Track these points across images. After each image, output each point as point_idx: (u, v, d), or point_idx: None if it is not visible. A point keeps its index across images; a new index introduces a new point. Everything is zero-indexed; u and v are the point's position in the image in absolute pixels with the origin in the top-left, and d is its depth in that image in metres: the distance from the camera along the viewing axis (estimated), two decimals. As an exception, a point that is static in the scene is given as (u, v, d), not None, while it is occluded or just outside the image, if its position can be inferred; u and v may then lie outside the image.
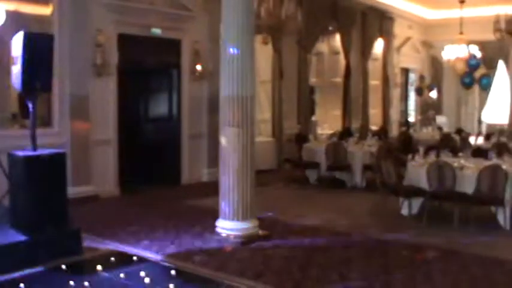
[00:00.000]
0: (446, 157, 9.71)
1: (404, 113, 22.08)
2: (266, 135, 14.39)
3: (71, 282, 6.00)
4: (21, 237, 6.95)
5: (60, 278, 6.31)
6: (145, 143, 12.51)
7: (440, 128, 17.89)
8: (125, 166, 11.38)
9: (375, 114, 18.69)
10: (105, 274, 6.45)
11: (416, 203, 9.39)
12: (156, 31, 11.63)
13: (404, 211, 9.51)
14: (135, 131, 12.48)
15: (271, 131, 14.58)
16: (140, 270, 6.40)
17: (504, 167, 8.81)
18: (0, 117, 10.07)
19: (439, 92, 23.18)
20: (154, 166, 12.27)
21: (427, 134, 16.42)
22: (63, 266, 6.64)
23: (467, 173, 8.91)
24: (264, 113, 14.58)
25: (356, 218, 9.54)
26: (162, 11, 11.64)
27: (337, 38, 16.85)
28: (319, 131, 16.21)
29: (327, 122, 16.99)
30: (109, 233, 8.22)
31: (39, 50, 7.13)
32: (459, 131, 16.64)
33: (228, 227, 8.03)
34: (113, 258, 7.01)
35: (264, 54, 14.19)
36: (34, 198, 7.07)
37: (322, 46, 16.87)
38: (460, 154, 10.20)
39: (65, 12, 10.28)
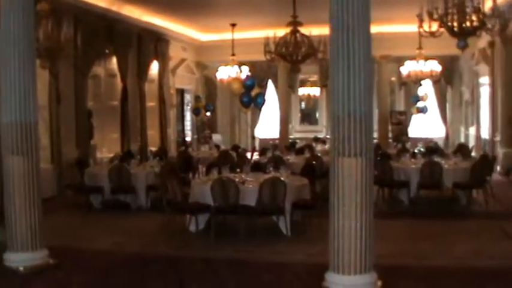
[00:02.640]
0: (227, 173, 10.21)
1: (182, 132, 22.61)
2: (45, 162, 13.90)
3: None
4: None
5: None
6: None
7: (217, 146, 18.63)
8: None
9: (153, 135, 18.92)
10: None
11: (203, 219, 9.75)
12: None
13: (192, 227, 9.81)
14: None
15: (50, 157, 14.14)
16: None
17: (282, 178, 9.50)
18: None
19: (214, 111, 24.14)
20: None
21: (206, 152, 17.00)
22: None
23: (249, 187, 9.46)
24: (41, 138, 14.06)
25: (146, 238, 9.63)
26: None
27: (114, 61, 16.84)
28: (99, 154, 16.04)
29: (106, 146, 16.87)
30: None
31: None
32: (235, 148, 17.48)
33: (17, 260, 7.72)
34: None
35: (40, 78, 13.76)
36: None
37: (98, 69, 16.73)
38: (237, 170, 10.75)
39: None
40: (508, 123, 16.64)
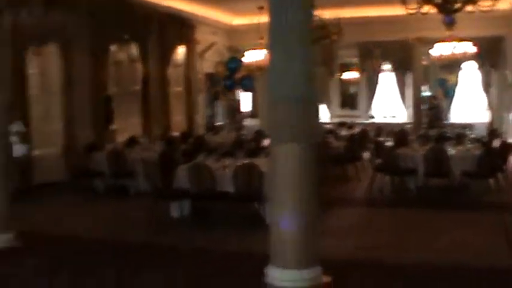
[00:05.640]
0: (213, 158, 10.02)
1: (212, 118, 22.34)
2: (57, 146, 14.08)
3: None
4: None
5: None
6: None
7: (239, 130, 18.41)
8: None
9: (180, 120, 18.89)
10: None
11: (188, 205, 9.63)
12: None
13: (175, 213, 9.68)
14: None
15: (63, 141, 14.28)
16: None
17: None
18: None
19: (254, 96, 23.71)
20: None
21: (223, 137, 16.79)
22: None
23: (226, 173, 9.23)
24: (54, 123, 14.32)
25: (122, 225, 9.56)
26: None
27: (135, 46, 16.86)
28: (120, 139, 16.08)
29: (128, 130, 16.88)
30: None
31: None
32: (258, 134, 17.13)
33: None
34: None
35: (53, 64, 14.03)
36: None
37: (120, 54, 16.80)
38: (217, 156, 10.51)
39: None
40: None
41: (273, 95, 6.03)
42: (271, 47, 6.06)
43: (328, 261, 6.24)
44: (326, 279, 6.16)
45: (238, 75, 18.07)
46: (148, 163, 10.98)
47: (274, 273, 6.09)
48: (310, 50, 6.07)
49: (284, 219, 5.95)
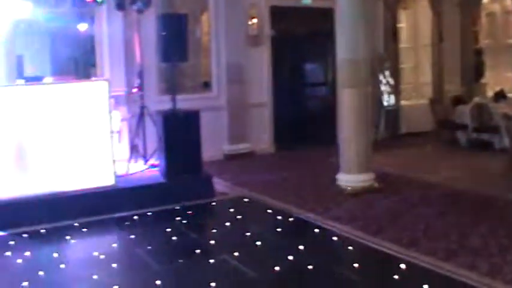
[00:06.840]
0: None
1: None
2: (425, 98, 14.60)
3: (195, 220, 7.43)
4: (161, 180, 8.46)
5: (189, 216, 7.58)
6: (301, 106, 13.31)
7: None
8: (280, 126, 12.52)
9: None
10: (231, 215, 7.60)
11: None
12: (307, 1, 12.42)
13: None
14: (290, 94, 13.11)
15: (431, 93, 14.74)
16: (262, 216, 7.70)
17: None
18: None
19: None
20: (310, 127, 13.09)
21: None
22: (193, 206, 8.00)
23: None
24: (425, 76, 14.87)
25: (481, 179, 9.55)
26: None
27: (510, -3, 16.36)
28: (490, 93, 15.91)
29: (499, 85, 16.54)
30: (242, 182, 9.60)
31: (175, 27, 8.56)
32: None
33: (345, 180, 8.79)
34: (239, 203, 8.29)
35: (425, 18, 14.54)
36: (171, 149, 8.46)
37: (494, 6, 16.49)
38: None
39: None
40: None
41: None
42: None
43: None
44: None
45: None
46: (510, 118, 10.83)
47: None
48: None
49: None
